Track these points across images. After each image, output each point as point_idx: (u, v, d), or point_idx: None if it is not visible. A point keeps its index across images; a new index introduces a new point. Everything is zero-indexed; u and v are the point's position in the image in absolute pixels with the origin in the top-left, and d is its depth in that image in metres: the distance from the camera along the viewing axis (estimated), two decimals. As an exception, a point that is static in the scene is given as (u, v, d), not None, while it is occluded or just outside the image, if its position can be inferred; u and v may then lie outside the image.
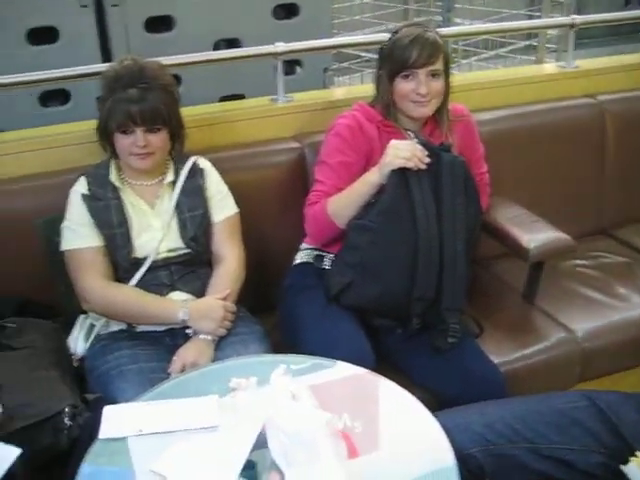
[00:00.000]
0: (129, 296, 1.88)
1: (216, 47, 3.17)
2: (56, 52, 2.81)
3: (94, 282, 1.86)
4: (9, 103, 2.71)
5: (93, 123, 1.97)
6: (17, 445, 1.52)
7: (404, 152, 1.80)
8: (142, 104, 1.80)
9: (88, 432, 1.53)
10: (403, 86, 1.95)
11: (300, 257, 2.10)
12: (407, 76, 1.94)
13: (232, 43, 3.22)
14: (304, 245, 2.12)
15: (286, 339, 1.98)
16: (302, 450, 1.25)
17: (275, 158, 2.31)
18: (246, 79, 3.06)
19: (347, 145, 1.99)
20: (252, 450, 1.29)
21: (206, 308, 1.87)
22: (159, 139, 1.86)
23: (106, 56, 2.98)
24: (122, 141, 1.85)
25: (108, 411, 1.46)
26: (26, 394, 1.71)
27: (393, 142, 1.85)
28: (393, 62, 1.95)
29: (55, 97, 2.96)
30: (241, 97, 3.05)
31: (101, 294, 1.86)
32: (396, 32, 1.98)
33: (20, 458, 1.47)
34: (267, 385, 1.45)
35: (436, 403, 1.61)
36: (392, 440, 1.39)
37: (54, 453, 1.62)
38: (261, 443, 1.31)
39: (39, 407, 1.65)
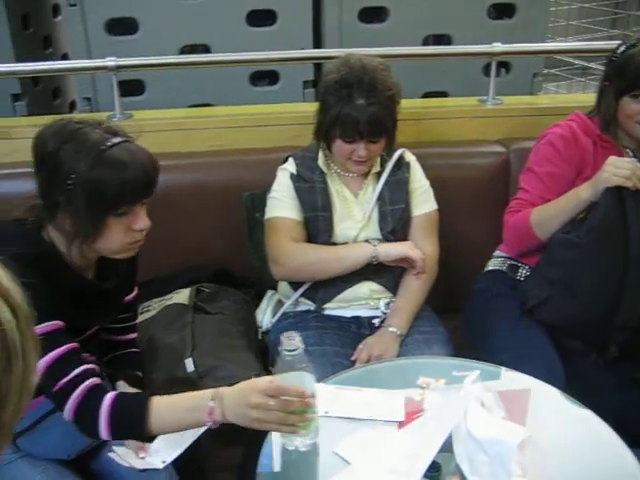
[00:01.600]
0: (318, 246, 1.90)
1: (425, 42, 3.15)
2: (272, 35, 2.90)
3: (287, 243, 1.88)
4: (222, 80, 2.83)
5: (301, 106, 2.02)
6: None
7: (623, 170, 1.69)
8: (370, 118, 1.76)
9: (272, 405, 1.58)
10: (631, 107, 1.82)
11: (493, 264, 2.06)
12: (637, 96, 1.81)
13: (440, 39, 3.17)
14: (498, 252, 2.07)
15: (471, 343, 1.95)
16: (489, 462, 1.22)
17: (479, 160, 2.27)
18: (450, 77, 3.02)
19: (558, 156, 1.91)
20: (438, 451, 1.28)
21: (394, 245, 1.90)
22: (378, 147, 1.85)
23: (317, 42, 3.04)
24: (342, 147, 1.83)
25: (296, 388, 1.49)
26: (216, 358, 1.80)
27: (612, 158, 1.74)
28: (624, 78, 1.81)
29: (264, 77, 3.06)
30: (443, 95, 3.01)
31: (291, 249, 1.87)
32: (633, 45, 1.82)
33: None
34: (454, 387, 1.43)
35: (628, 438, 1.52)
36: (581, 467, 1.32)
37: (235, 419, 1.69)
38: (446, 446, 1.29)
39: (227, 371, 1.73)
